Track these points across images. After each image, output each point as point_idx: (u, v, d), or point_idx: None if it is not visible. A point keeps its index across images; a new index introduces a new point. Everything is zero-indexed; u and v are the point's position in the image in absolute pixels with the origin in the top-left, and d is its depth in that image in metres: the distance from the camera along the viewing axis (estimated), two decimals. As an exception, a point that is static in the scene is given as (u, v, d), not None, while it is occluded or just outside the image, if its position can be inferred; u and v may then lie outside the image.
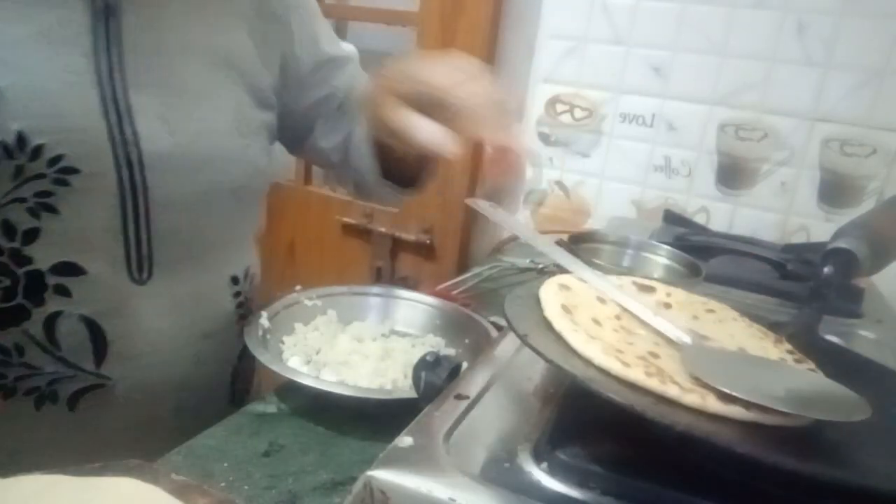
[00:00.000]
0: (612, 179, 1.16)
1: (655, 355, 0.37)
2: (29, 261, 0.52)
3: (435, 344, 0.69)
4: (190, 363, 0.62)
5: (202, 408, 0.63)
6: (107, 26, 0.53)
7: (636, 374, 0.33)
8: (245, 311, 0.68)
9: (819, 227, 1.03)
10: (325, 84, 0.73)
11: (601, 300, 0.44)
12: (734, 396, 0.33)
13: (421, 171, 0.70)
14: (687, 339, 0.40)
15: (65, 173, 0.51)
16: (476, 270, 0.95)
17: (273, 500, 0.45)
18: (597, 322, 0.40)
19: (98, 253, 0.54)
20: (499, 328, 0.67)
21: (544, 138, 1.20)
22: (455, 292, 0.86)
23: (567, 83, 1.16)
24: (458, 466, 0.33)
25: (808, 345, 0.44)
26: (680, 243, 0.81)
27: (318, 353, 0.65)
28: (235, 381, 0.70)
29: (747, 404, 0.32)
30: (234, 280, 0.66)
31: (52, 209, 0.51)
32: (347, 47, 0.77)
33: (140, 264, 0.57)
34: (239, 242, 0.68)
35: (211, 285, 0.64)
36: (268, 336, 0.64)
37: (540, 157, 1.20)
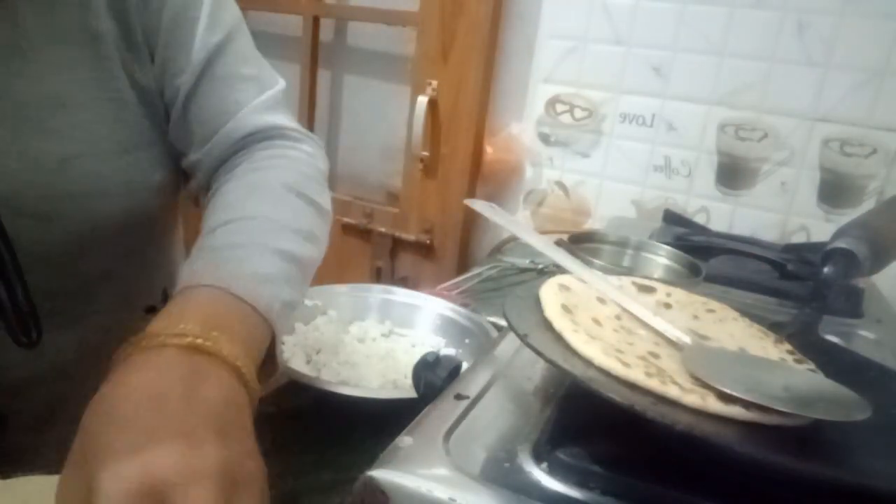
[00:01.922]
0: (612, 179, 1.16)
1: (656, 355, 0.37)
2: None
3: (435, 344, 0.70)
4: None
5: None
6: None
7: (636, 375, 0.33)
8: None
9: (819, 227, 1.03)
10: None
11: (601, 300, 0.43)
12: (734, 396, 0.33)
13: None
14: (687, 339, 0.40)
15: None
16: (476, 270, 0.95)
17: (273, 500, 0.45)
18: (597, 322, 0.40)
19: None
20: (499, 328, 0.67)
21: (544, 138, 1.20)
22: (455, 292, 0.86)
23: (567, 83, 1.16)
24: (458, 466, 0.33)
25: (808, 345, 0.44)
26: (680, 243, 0.81)
27: (318, 353, 0.65)
28: None
29: (747, 404, 0.32)
30: (151, 310, 0.55)
31: None
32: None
33: (25, 326, 0.47)
34: (150, 271, 0.56)
35: (121, 325, 0.49)
36: (268, 336, 0.64)
37: (540, 156, 1.20)
